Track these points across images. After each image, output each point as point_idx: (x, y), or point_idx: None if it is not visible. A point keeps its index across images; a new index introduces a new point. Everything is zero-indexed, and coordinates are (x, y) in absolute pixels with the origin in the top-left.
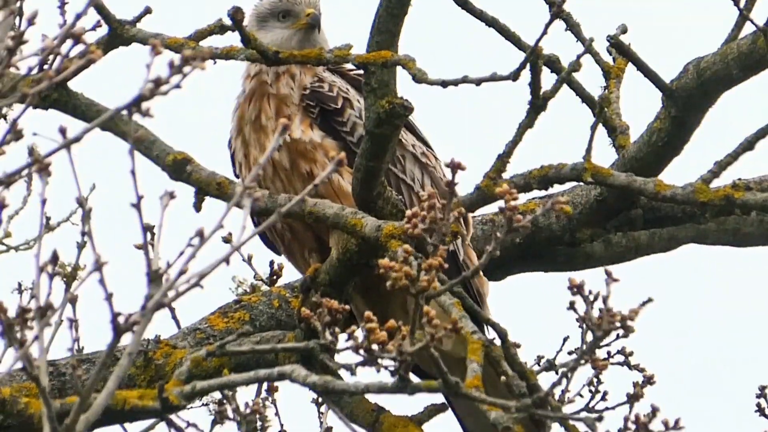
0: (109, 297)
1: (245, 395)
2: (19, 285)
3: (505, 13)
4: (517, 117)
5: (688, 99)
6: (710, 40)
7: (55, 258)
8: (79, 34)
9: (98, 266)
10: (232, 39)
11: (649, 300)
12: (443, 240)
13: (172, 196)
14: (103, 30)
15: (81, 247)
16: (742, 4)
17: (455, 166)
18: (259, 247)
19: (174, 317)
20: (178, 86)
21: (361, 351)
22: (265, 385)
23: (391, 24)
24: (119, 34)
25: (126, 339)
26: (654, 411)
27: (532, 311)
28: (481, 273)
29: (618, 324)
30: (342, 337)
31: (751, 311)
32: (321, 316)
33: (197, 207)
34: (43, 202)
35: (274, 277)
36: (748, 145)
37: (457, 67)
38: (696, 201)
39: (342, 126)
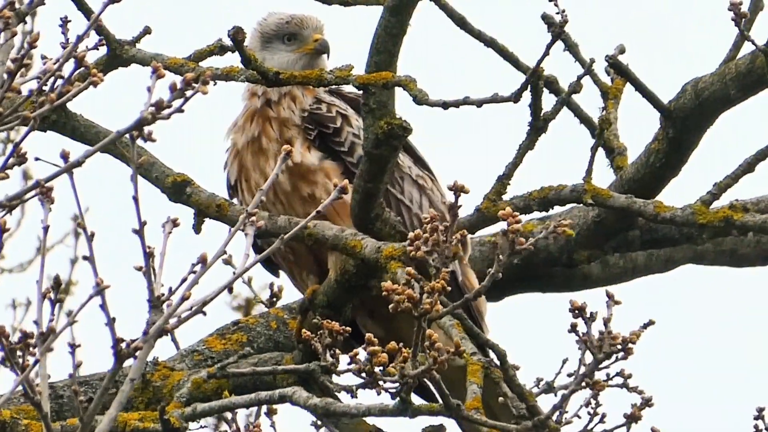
0: (111, 322)
1: (243, 417)
2: (13, 301)
3: (504, 32)
4: (516, 138)
5: (686, 119)
6: (708, 60)
7: (57, 284)
8: (81, 56)
9: (100, 290)
10: (231, 60)
11: (651, 322)
12: (446, 262)
13: (175, 223)
14: (103, 50)
15: (73, 262)
16: (742, 23)
17: (458, 189)
18: (258, 268)
19: (173, 339)
20: (180, 110)
21: (364, 374)
22: (264, 407)
23: (389, 44)
24: (119, 55)
25: (127, 364)
26: None
27: (530, 332)
28: None
29: (619, 347)
30: (343, 358)
31: (749, 332)
32: (322, 338)
33: (197, 229)
34: (46, 228)
35: (274, 299)
36: (748, 167)
37: (454, 88)
38: (695, 222)
39: (340, 146)
